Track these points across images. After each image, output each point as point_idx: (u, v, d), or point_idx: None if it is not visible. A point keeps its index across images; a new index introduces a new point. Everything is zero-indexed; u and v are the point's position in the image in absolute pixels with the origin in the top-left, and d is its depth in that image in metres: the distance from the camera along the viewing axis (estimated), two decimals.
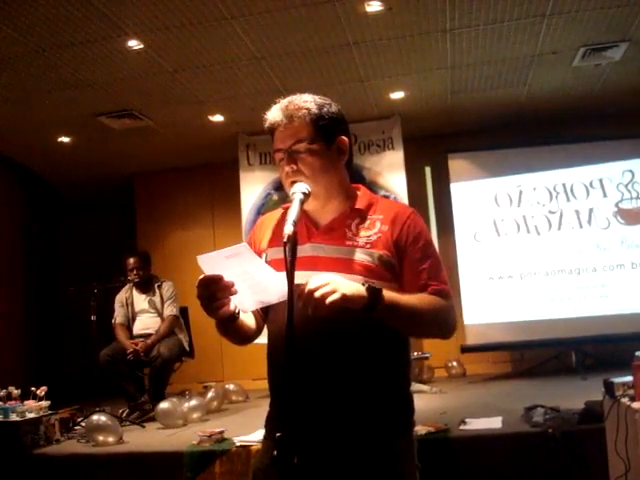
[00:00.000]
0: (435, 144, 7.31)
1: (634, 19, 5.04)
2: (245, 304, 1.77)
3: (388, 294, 1.66)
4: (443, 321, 1.82)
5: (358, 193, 1.93)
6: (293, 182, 1.79)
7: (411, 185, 6.81)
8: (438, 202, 7.34)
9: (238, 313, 1.78)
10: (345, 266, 1.77)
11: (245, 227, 7.14)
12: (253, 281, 1.68)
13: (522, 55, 5.61)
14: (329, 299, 1.56)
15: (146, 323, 5.92)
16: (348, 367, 1.75)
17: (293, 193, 1.75)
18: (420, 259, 1.81)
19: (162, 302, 5.95)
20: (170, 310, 5.90)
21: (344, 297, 1.58)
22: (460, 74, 5.97)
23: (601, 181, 6.95)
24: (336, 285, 1.58)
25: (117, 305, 6.07)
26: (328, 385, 1.74)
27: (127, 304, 6.07)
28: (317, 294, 1.56)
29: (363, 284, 1.64)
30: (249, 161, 7.26)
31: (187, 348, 5.95)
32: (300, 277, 1.63)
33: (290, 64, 5.50)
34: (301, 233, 1.80)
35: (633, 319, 6.58)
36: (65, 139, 6.95)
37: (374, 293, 1.63)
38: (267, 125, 1.86)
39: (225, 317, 1.74)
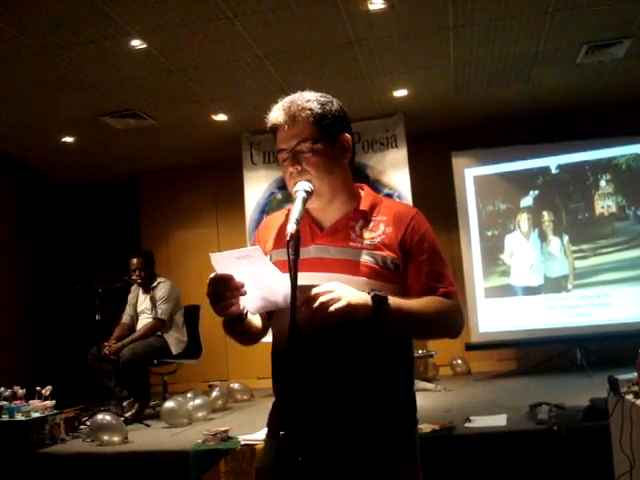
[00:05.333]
0: (439, 142, 7.30)
1: (637, 16, 5.02)
2: (253, 306, 1.78)
3: (394, 302, 1.66)
4: (450, 324, 1.83)
5: (362, 193, 1.93)
6: (297, 183, 1.79)
7: (414, 183, 6.81)
8: (443, 199, 7.32)
9: (246, 314, 1.79)
10: (350, 268, 1.77)
11: (249, 226, 7.15)
12: (262, 284, 1.69)
13: (525, 52, 5.59)
14: (334, 306, 1.57)
15: (144, 323, 5.95)
16: (350, 367, 1.74)
17: (296, 192, 1.75)
18: (425, 260, 1.81)
19: (155, 303, 5.96)
20: (156, 312, 5.89)
21: (349, 306, 1.59)
22: (463, 71, 5.96)
23: (606, 179, 6.94)
24: (342, 293, 1.60)
25: (127, 304, 6.20)
26: (330, 385, 1.74)
27: (133, 303, 6.17)
28: (323, 299, 1.58)
29: (369, 293, 1.65)
30: (253, 160, 7.26)
31: (174, 349, 5.86)
32: (305, 279, 1.64)
33: (293, 63, 5.50)
34: (305, 235, 1.80)
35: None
36: (68, 139, 6.96)
37: (380, 302, 1.64)
38: (269, 126, 1.86)
39: (232, 317, 1.75)
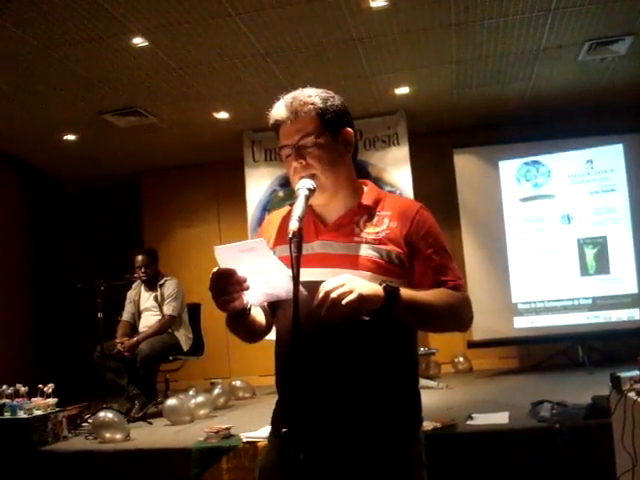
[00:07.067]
0: (440, 139, 7.29)
1: (639, 13, 5.01)
2: (256, 299, 1.77)
3: (405, 292, 1.66)
4: (460, 316, 1.83)
5: (365, 189, 1.92)
6: (301, 177, 1.79)
7: (416, 180, 6.80)
8: (444, 196, 7.31)
9: (249, 309, 1.78)
10: (354, 263, 1.76)
11: (251, 224, 7.15)
12: (266, 277, 1.68)
13: (527, 50, 5.59)
14: (345, 300, 1.55)
15: (149, 321, 5.92)
16: (355, 364, 1.74)
17: (298, 189, 1.74)
18: (431, 255, 1.81)
19: (163, 300, 5.95)
20: (167, 309, 5.88)
21: (361, 297, 1.57)
22: (465, 69, 5.96)
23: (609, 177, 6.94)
24: (353, 285, 1.58)
25: (127, 302, 6.13)
26: (335, 382, 1.73)
27: (134, 301, 6.12)
28: (334, 295, 1.55)
29: (380, 284, 1.64)
30: (254, 158, 7.26)
31: (184, 346, 5.88)
32: (310, 274, 1.63)
33: (295, 60, 5.50)
34: (309, 230, 1.80)
35: None
36: (70, 137, 6.96)
37: (391, 293, 1.63)
38: (272, 122, 1.86)
39: (235, 312, 1.73)
